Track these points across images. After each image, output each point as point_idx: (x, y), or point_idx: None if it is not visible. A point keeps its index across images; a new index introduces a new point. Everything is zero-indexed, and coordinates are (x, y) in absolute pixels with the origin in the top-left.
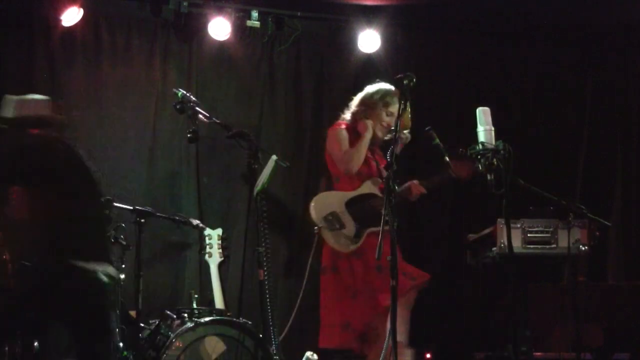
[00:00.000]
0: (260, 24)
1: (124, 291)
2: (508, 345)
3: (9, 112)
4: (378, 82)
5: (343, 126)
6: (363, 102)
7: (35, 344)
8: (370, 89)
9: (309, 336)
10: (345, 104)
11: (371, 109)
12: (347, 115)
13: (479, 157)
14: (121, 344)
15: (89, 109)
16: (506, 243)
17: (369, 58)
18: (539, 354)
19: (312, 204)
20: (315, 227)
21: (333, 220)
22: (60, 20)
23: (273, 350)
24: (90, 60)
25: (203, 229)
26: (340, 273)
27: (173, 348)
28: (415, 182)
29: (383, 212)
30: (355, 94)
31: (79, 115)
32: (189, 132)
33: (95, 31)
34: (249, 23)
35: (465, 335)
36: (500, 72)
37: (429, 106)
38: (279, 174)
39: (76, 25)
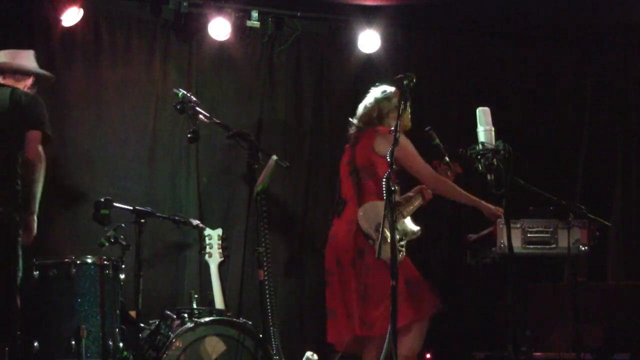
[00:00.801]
0: (260, 24)
1: (124, 291)
2: (508, 345)
3: None
4: (378, 85)
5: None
6: (383, 106)
7: (36, 344)
8: (381, 93)
9: (310, 336)
10: (345, 104)
11: (394, 113)
12: (357, 122)
13: (479, 157)
14: (121, 344)
15: (88, 109)
16: (506, 243)
17: (369, 58)
18: (539, 354)
19: (360, 213)
20: (370, 241)
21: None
22: (60, 20)
23: (273, 350)
24: (90, 60)
25: (203, 229)
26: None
27: (173, 348)
28: (424, 186)
29: (383, 213)
30: (355, 94)
31: (79, 115)
32: (189, 132)
33: (95, 31)
34: (249, 23)
35: (465, 335)
36: (500, 72)
37: (429, 106)
38: (279, 174)
39: (76, 25)
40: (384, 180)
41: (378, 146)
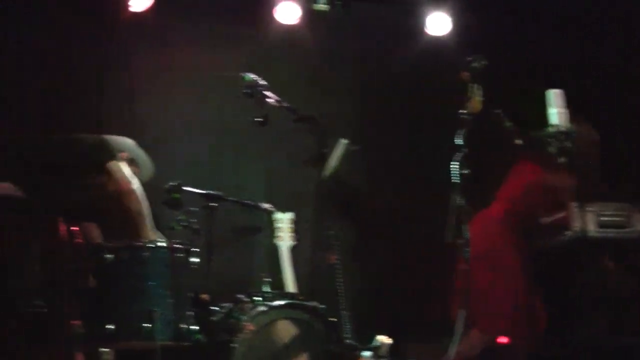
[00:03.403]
0: (328, 8)
1: (196, 275)
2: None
3: None
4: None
5: None
6: None
7: (109, 326)
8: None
9: (381, 319)
10: (412, 88)
11: None
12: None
13: (550, 139)
14: (193, 327)
15: (157, 94)
16: (580, 227)
17: (437, 41)
18: (615, 337)
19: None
20: None
21: None
22: (129, 6)
23: (344, 334)
24: (158, 45)
25: (273, 213)
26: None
27: (245, 331)
28: None
29: (455, 197)
30: (423, 77)
31: (148, 100)
32: (258, 116)
33: (163, 17)
34: (317, 7)
35: None
36: (574, 53)
37: (499, 89)
38: (348, 158)
39: (144, 10)
40: (456, 163)
41: None
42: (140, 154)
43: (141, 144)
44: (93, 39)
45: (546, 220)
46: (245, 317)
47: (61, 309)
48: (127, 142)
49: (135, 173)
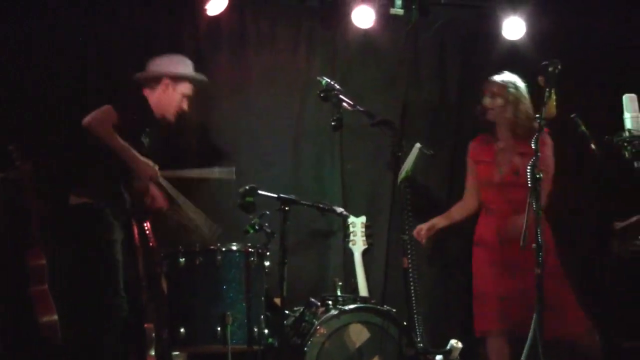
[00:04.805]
0: (404, 12)
1: (269, 278)
2: None
3: None
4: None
5: None
6: None
7: (182, 330)
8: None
9: (454, 324)
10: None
11: None
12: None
13: (625, 144)
14: (266, 331)
15: (234, 97)
16: None
17: (513, 45)
18: None
19: None
20: None
21: None
22: (205, 10)
23: (417, 338)
24: (235, 49)
25: (347, 217)
26: None
27: (317, 335)
28: None
29: (528, 200)
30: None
31: (224, 104)
32: (333, 120)
33: (240, 20)
34: (393, 11)
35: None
36: None
37: (575, 93)
38: (423, 162)
39: (221, 14)
40: (529, 168)
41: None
42: None
43: (219, 147)
44: (170, 42)
45: (619, 224)
46: (317, 321)
47: (139, 311)
48: None
49: None
